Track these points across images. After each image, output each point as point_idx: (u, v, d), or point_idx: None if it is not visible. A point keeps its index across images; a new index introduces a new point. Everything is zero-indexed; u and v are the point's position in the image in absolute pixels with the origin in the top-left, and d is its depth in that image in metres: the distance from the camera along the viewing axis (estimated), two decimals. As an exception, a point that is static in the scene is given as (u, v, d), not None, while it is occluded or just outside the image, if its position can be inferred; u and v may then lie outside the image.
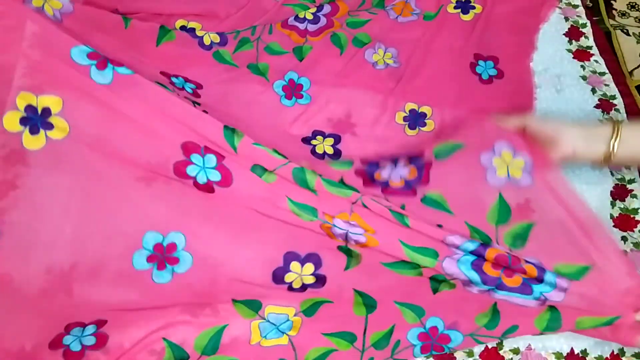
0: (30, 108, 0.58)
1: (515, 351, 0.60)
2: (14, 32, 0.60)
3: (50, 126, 0.59)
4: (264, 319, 0.57)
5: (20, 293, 0.56)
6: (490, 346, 0.60)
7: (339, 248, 0.61)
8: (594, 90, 0.78)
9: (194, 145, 0.61)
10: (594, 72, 0.80)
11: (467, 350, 0.60)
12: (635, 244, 0.66)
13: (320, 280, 0.60)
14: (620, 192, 0.70)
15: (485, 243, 0.58)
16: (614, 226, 0.68)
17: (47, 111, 0.59)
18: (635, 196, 0.69)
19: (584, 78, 0.79)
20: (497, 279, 0.56)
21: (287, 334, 0.57)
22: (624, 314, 0.54)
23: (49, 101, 0.59)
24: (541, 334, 0.57)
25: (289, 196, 0.60)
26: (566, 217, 0.57)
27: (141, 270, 0.59)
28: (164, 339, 0.55)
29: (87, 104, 0.60)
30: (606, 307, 0.55)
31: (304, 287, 0.59)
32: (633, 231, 0.67)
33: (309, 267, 0.60)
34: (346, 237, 0.60)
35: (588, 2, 0.91)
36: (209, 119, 0.61)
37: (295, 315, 0.58)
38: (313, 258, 0.60)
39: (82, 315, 0.56)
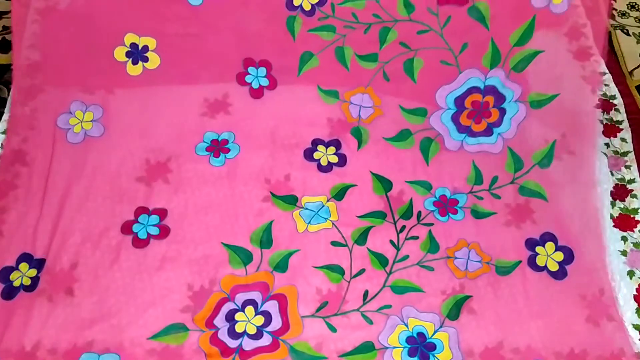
0: None
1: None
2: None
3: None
4: (303, 207, 0.69)
5: None
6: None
7: (352, 132, 0.76)
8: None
9: None
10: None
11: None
12: (635, 244, 0.66)
13: (342, 158, 0.74)
14: (620, 192, 0.70)
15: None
16: (614, 226, 0.68)
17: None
18: (635, 196, 0.69)
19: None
20: (468, 127, 0.74)
21: (329, 220, 0.68)
22: None
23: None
24: (514, 178, 0.72)
25: (319, 85, 0.76)
26: None
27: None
28: (223, 243, 0.65)
29: None
30: None
31: (330, 166, 0.73)
32: (633, 231, 0.67)
33: (332, 149, 0.75)
34: (359, 113, 0.75)
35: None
36: None
37: (328, 201, 0.70)
38: (334, 142, 0.76)
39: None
